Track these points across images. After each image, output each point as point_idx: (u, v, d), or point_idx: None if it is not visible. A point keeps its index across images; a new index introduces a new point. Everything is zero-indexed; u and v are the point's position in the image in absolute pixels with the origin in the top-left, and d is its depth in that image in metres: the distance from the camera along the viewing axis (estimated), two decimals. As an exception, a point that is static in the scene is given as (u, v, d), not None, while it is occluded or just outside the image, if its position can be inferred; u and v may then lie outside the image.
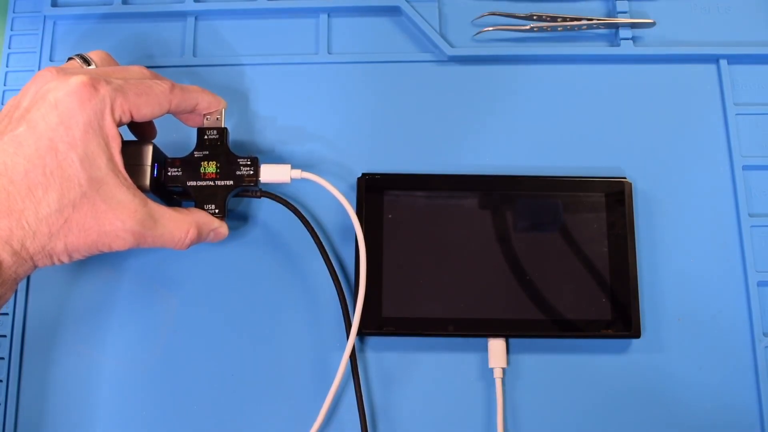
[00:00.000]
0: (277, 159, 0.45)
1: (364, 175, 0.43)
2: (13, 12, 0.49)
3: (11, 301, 0.43)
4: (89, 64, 0.38)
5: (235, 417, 0.41)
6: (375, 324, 0.41)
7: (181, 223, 0.37)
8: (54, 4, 0.49)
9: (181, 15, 0.48)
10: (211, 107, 0.40)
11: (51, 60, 0.48)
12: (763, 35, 0.47)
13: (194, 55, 0.48)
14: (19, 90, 0.46)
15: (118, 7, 0.48)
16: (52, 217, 0.33)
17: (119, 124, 0.35)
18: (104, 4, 0.48)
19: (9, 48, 0.49)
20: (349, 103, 0.46)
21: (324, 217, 0.44)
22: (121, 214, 0.34)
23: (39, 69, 0.48)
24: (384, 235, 0.42)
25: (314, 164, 0.45)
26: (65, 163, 0.33)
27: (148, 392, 0.42)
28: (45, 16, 0.49)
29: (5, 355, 0.43)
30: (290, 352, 0.42)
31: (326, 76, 0.47)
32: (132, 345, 0.43)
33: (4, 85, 0.48)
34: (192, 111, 0.40)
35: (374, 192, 0.43)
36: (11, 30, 0.49)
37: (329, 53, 0.47)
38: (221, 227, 0.40)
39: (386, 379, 0.42)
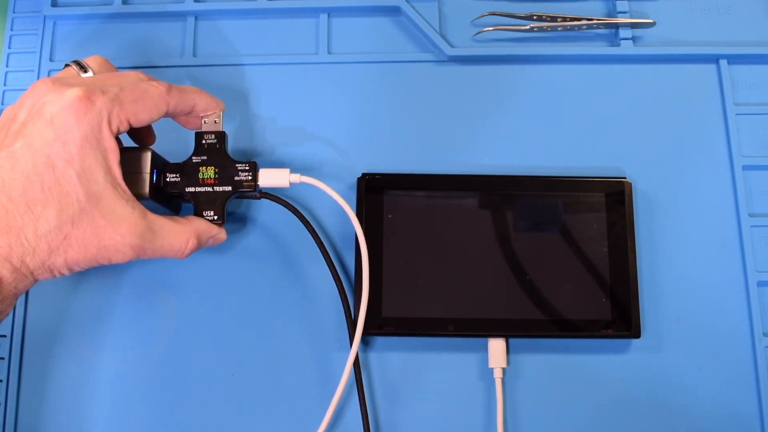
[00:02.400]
0: (277, 159, 0.45)
1: (364, 175, 0.43)
2: (13, 12, 0.49)
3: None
4: (86, 71, 0.38)
5: (237, 420, 0.41)
6: (375, 324, 0.41)
7: (180, 234, 0.37)
8: (54, 4, 0.49)
9: (181, 15, 0.48)
10: (209, 109, 0.40)
11: (51, 60, 0.48)
12: (763, 35, 0.47)
13: (194, 55, 0.48)
14: (19, 90, 0.47)
15: (118, 7, 0.48)
16: (52, 234, 0.32)
17: (117, 134, 0.35)
18: (104, 5, 0.48)
19: (9, 48, 0.49)
20: (349, 103, 0.46)
21: (324, 217, 0.44)
22: (121, 228, 0.34)
23: (39, 69, 0.48)
24: (384, 235, 0.42)
25: (314, 164, 0.45)
26: (63, 179, 0.33)
27: (147, 395, 0.42)
28: (45, 16, 0.49)
29: (5, 355, 0.43)
30: (292, 353, 0.42)
31: (326, 76, 0.47)
32: (132, 347, 0.43)
33: (4, 85, 0.48)
34: (190, 113, 0.40)
35: (374, 192, 0.43)
36: (11, 30, 0.49)
37: (329, 53, 0.47)
38: (220, 233, 0.40)
39: (386, 379, 0.42)
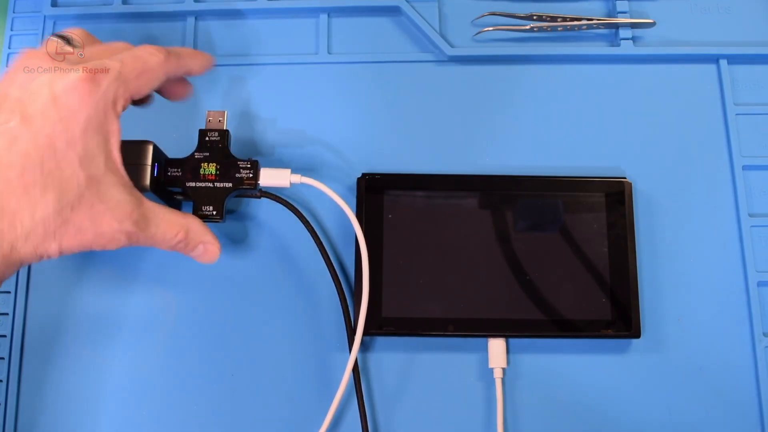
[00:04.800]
0: (277, 159, 0.45)
1: (364, 175, 0.43)
2: (13, 12, 0.49)
3: (11, 301, 0.43)
4: (70, 43, 0.36)
5: (237, 421, 0.41)
6: (375, 324, 0.41)
7: (173, 224, 0.36)
8: (54, 4, 0.49)
9: (181, 15, 0.48)
10: (202, 70, 0.39)
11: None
12: (763, 35, 0.47)
13: (194, 55, 0.48)
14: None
15: (118, 7, 0.48)
16: (49, 219, 0.31)
17: (121, 113, 0.34)
18: (104, 4, 0.48)
19: (9, 48, 0.49)
20: (349, 103, 0.46)
21: (324, 218, 0.44)
22: (119, 214, 0.33)
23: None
24: (384, 235, 0.42)
25: (314, 164, 0.45)
26: (64, 162, 0.31)
27: (147, 393, 0.42)
28: (45, 16, 0.49)
29: (5, 355, 0.43)
30: (292, 353, 0.42)
31: (326, 76, 0.47)
32: (131, 345, 0.43)
33: (4, 85, 0.48)
34: (183, 76, 0.38)
35: (374, 192, 0.43)
36: (11, 30, 0.49)
37: (329, 53, 0.47)
38: (213, 245, 0.38)
39: (386, 379, 0.42)
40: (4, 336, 0.43)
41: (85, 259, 0.44)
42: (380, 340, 0.42)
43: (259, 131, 0.46)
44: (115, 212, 0.33)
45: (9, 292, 0.43)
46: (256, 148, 0.45)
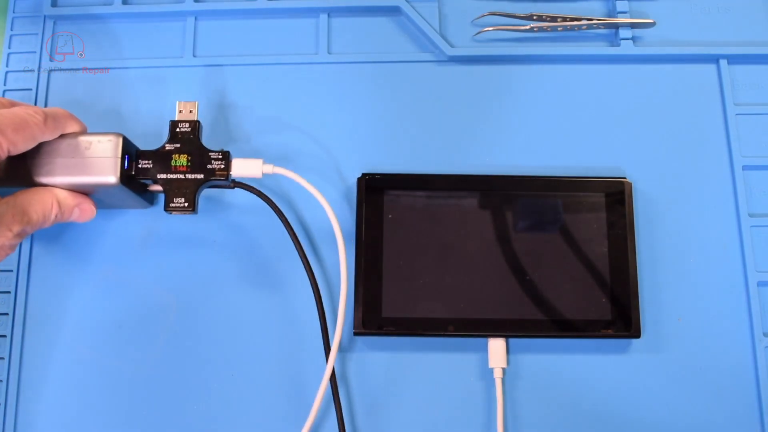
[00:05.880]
0: (275, 158, 0.45)
1: (364, 175, 0.43)
2: (13, 12, 0.49)
3: (11, 300, 0.43)
4: None
5: (236, 418, 0.41)
6: (375, 324, 0.41)
7: (45, 203, 0.37)
8: (54, 4, 0.49)
9: (181, 15, 0.48)
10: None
11: (51, 60, 0.48)
12: (763, 35, 0.47)
13: (194, 55, 0.48)
14: (19, 90, 0.47)
15: (118, 7, 0.48)
16: None
17: None
18: (104, 4, 0.48)
19: (9, 48, 0.49)
20: (349, 103, 0.46)
21: (321, 215, 0.44)
22: (6, 224, 0.35)
23: (39, 69, 0.48)
24: (384, 235, 0.42)
25: (314, 164, 0.45)
26: None
27: (143, 393, 0.42)
28: (45, 16, 0.49)
29: (5, 354, 0.43)
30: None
31: (326, 76, 0.47)
32: (130, 346, 0.43)
33: (4, 85, 0.48)
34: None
35: (374, 192, 0.43)
36: (11, 30, 0.49)
37: (329, 53, 0.47)
38: (85, 203, 0.39)
39: (386, 379, 0.42)
40: (4, 336, 0.43)
41: (84, 259, 0.44)
42: (380, 340, 0.42)
43: (259, 131, 0.46)
44: (5, 227, 0.35)
45: (9, 292, 0.43)
46: (255, 148, 0.45)
